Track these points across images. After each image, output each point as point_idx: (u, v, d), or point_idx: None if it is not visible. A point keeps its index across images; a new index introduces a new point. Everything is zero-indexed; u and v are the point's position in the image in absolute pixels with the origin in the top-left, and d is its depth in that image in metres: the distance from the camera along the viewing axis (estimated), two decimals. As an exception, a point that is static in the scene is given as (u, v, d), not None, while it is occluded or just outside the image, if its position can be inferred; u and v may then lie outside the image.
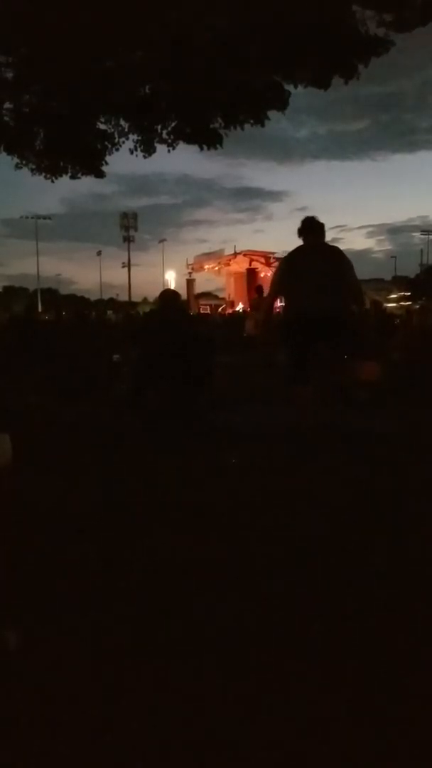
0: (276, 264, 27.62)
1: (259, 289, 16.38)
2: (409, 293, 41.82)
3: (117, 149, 10.37)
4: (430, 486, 3.27)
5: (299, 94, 9.19)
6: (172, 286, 31.14)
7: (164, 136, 9.93)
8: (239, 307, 25.12)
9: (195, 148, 9.90)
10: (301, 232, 4.43)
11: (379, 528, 2.69)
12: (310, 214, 4.52)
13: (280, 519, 2.81)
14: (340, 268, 4.23)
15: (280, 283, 4.47)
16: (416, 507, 2.95)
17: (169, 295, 5.92)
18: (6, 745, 1.42)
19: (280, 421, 4.52)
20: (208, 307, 29.88)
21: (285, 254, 4.85)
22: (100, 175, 10.87)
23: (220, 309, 27.34)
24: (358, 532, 2.65)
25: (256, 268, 28.24)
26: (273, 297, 4.74)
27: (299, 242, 4.44)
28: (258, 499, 3.10)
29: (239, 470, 3.64)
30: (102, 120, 10.12)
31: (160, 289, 6.67)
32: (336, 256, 4.31)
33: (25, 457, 3.63)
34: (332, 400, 4.76)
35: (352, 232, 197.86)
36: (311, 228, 4.42)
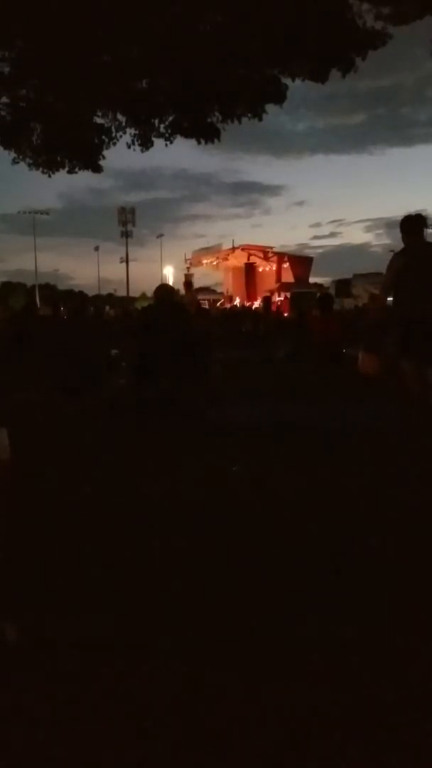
0: (274, 259, 27.52)
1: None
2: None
3: (114, 144, 10.35)
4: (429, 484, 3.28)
5: (297, 87, 9.19)
6: (171, 282, 31.06)
7: (162, 130, 9.90)
8: (236, 301, 25.12)
9: (192, 142, 9.88)
10: (408, 231, 4.11)
11: (379, 525, 2.70)
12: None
13: (279, 518, 2.82)
14: None
15: (390, 286, 4.23)
16: (418, 504, 2.95)
17: (164, 291, 5.88)
18: (6, 743, 1.43)
19: (279, 418, 4.52)
20: (206, 302, 29.82)
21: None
22: (97, 169, 10.83)
23: (218, 304, 27.28)
24: (357, 529, 2.66)
25: (255, 263, 28.15)
26: (384, 299, 4.50)
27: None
28: (257, 498, 3.11)
29: (239, 469, 3.64)
30: (99, 114, 10.09)
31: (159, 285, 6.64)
32: None
33: (23, 451, 3.63)
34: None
35: (351, 226, 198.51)
36: (417, 228, 4.11)
